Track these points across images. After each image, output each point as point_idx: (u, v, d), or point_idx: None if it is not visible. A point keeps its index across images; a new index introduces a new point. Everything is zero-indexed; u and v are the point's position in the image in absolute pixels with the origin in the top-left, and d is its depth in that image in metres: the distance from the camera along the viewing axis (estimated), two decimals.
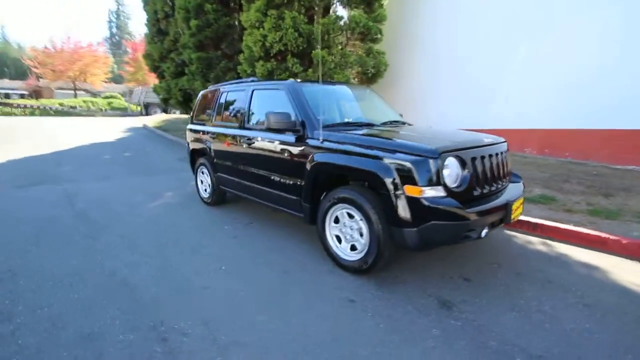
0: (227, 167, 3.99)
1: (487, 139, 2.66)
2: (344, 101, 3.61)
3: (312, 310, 2.18)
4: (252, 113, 3.65)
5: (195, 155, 4.88)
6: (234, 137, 3.79)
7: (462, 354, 1.80)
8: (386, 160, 2.27)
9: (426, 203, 2.13)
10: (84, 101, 29.59)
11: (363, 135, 2.62)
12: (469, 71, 8.05)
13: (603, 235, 3.18)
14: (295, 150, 2.97)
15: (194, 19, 10.63)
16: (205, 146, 4.40)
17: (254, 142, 3.44)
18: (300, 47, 7.97)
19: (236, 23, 10.87)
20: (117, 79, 43.46)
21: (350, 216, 2.59)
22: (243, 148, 3.63)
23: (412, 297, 2.33)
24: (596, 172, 5.42)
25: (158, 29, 13.94)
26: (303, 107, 3.01)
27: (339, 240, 2.74)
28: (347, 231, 2.63)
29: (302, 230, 3.58)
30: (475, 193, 2.35)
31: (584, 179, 5.10)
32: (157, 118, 19.19)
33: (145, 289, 2.43)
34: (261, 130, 3.42)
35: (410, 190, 2.16)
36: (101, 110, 28.69)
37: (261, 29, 8.03)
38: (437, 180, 2.16)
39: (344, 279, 2.57)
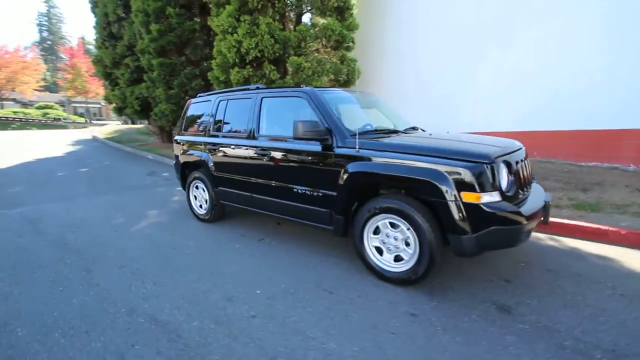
0: (232, 180, 3.70)
1: (517, 142, 2.76)
2: (360, 108, 3.54)
3: (379, 329, 2.05)
4: (264, 122, 3.44)
5: (186, 169, 4.49)
6: (241, 148, 3.53)
7: (545, 356, 1.80)
8: (440, 167, 2.23)
9: (486, 209, 2.12)
10: (14, 112, 26.27)
11: (403, 142, 2.56)
12: (436, 78, 8.48)
13: (603, 227, 3.45)
14: (323, 160, 2.83)
15: (155, 22, 9.95)
16: (201, 159, 4.06)
17: (269, 153, 3.23)
18: (277, 54, 7.80)
19: (199, 27, 10.37)
20: (51, 88, 39.29)
21: (394, 226, 2.51)
22: (254, 159, 3.39)
23: (468, 304, 2.30)
24: (567, 169, 5.95)
25: (109, 32, 12.84)
26: (329, 115, 2.88)
27: (379, 251, 2.64)
28: (391, 242, 2.54)
29: (321, 243, 3.42)
30: (520, 196, 2.41)
31: (560, 176, 5.57)
32: (107, 129, 17.62)
33: (183, 325, 2.12)
34: (277, 140, 3.22)
35: (467, 196, 2.14)
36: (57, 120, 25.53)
37: (235, 35, 7.72)
38: (493, 186, 2.16)
39: (392, 292, 2.47)
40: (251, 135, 3.46)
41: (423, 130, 3.52)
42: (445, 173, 2.20)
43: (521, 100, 6.92)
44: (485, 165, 2.16)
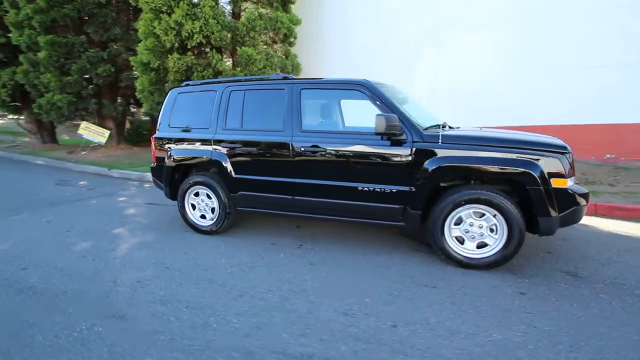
0: (262, 182, 3.24)
1: None
2: (400, 102, 3.51)
3: (513, 312, 2.16)
4: (307, 116, 3.12)
5: (177, 173, 3.70)
6: (278, 145, 3.12)
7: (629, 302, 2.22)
8: (533, 158, 2.47)
9: (570, 192, 2.47)
10: None
11: (486, 135, 2.71)
12: (365, 75, 9.00)
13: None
14: (400, 156, 2.76)
15: None
16: (209, 159, 3.41)
17: (325, 150, 2.96)
18: (224, 42, 7.06)
19: (105, 1, 8.49)
20: None
21: (478, 215, 2.65)
22: (300, 158, 3.05)
23: (549, 275, 2.61)
24: None
25: None
26: (397, 108, 2.82)
27: (460, 241, 2.75)
28: (474, 230, 2.68)
29: (365, 240, 3.34)
30: None
31: None
32: None
33: (330, 352, 1.79)
34: (332, 134, 2.99)
35: (557, 182, 2.45)
36: None
37: (173, 15, 6.63)
38: (569, 172, 2.52)
39: (486, 277, 2.60)
40: (291, 131, 3.09)
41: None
42: (538, 163, 2.46)
43: (437, 100, 7.71)
44: (567, 155, 2.51)
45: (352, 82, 2.99)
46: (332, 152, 2.96)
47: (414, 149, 2.72)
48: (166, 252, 3.19)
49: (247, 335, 1.96)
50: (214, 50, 7.01)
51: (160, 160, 3.75)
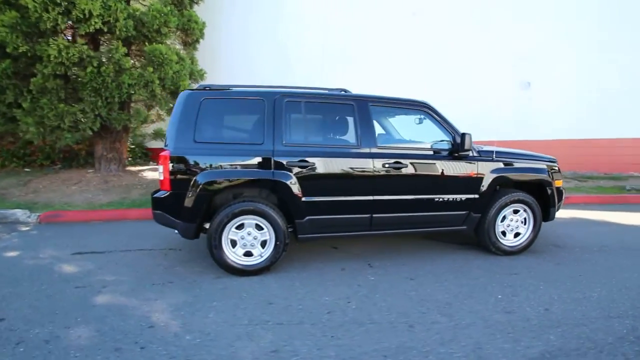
0: (339, 203, 2.97)
1: None
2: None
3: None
4: (377, 132, 3.10)
5: (212, 199, 2.83)
6: (360, 162, 2.97)
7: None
8: (547, 167, 3.45)
9: (562, 189, 3.59)
10: None
11: (513, 151, 3.53)
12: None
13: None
14: (468, 167, 3.22)
15: None
16: (267, 181, 2.83)
17: (406, 166, 3.04)
18: (129, 33, 5.59)
19: None
20: None
21: (515, 212, 3.43)
22: (382, 174, 3.01)
23: (547, 251, 3.66)
24: None
25: None
26: (457, 129, 3.27)
27: (503, 234, 3.45)
28: (513, 224, 3.43)
29: (418, 246, 3.59)
30: None
31: None
32: None
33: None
34: (412, 150, 3.15)
35: (558, 183, 3.52)
36: None
37: None
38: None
39: (527, 260, 3.38)
40: (368, 147, 3.01)
41: None
42: (549, 170, 3.46)
43: None
44: (557, 163, 3.64)
45: (417, 102, 3.24)
46: (412, 167, 3.09)
47: (471, 161, 3.26)
48: (243, 307, 2.40)
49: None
50: (121, 42, 5.41)
51: (179, 186, 2.74)
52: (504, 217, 3.40)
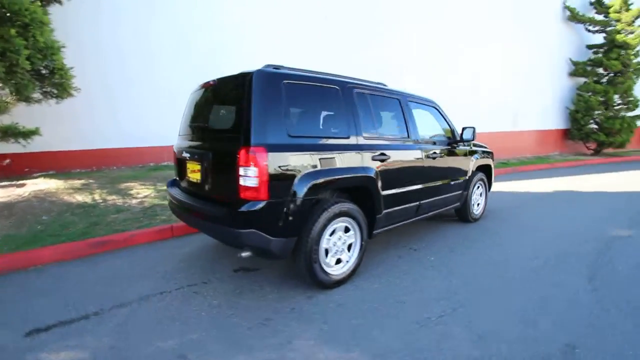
0: (400, 195, 3.04)
1: None
2: None
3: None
4: (416, 125, 3.34)
5: (311, 198, 2.33)
6: (414, 153, 3.18)
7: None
8: (489, 153, 4.64)
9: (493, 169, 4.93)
10: None
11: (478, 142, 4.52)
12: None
13: None
14: (467, 154, 3.98)
15: None
16: (365, 177, 2.64)
17: (442, 155, 3.51)
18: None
19: None
20: None
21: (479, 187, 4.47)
22: (428, 164, 3.33)
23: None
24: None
25: None
26: (452, 123, 3.93)
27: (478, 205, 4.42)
28: (477, 194, 4.47)
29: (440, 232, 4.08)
30: None
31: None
32: None
33: None
34: (427, 142, 3.49)
35: (492, 165, 4.81)
36: None
37: None
38: None
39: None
40: (415, 138, 3.24)
41: None
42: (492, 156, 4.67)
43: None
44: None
45: (428, 100, 3.70)
46: (443, 155, 3.55)
47: (468, 150, 4.05)
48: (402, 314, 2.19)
49: None
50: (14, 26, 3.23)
51: (277, 193, 2.12)
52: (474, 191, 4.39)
